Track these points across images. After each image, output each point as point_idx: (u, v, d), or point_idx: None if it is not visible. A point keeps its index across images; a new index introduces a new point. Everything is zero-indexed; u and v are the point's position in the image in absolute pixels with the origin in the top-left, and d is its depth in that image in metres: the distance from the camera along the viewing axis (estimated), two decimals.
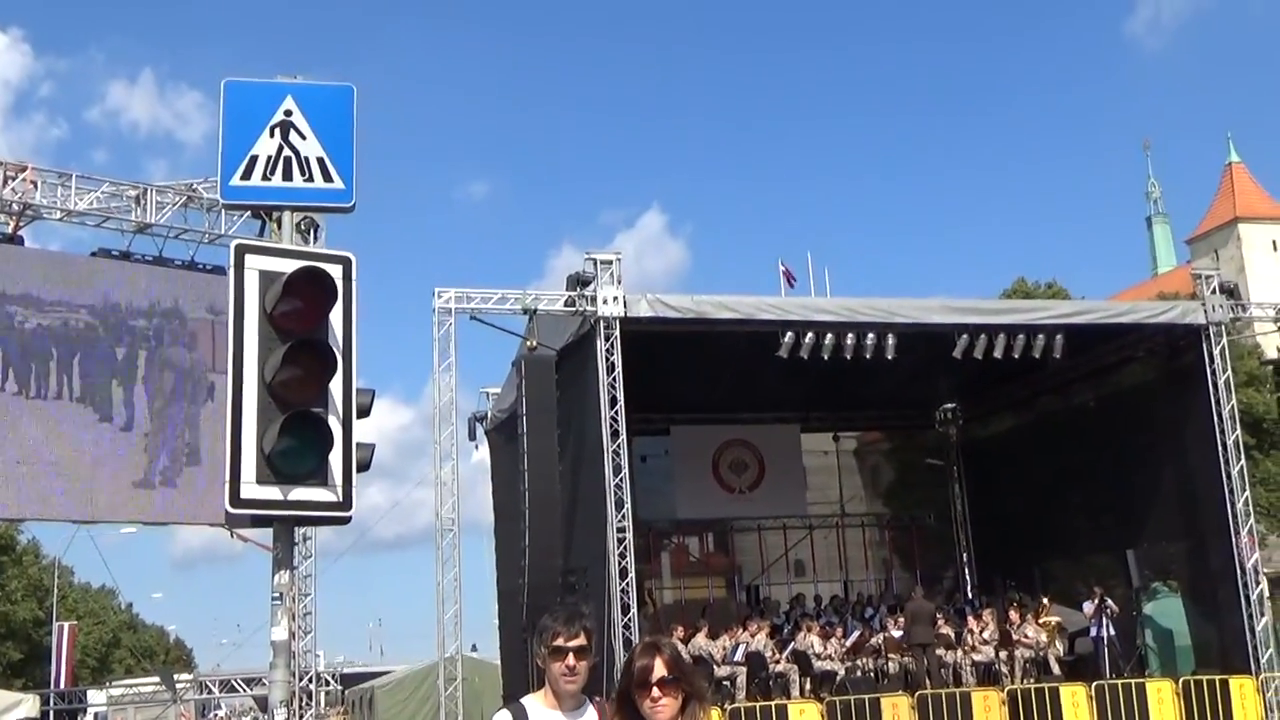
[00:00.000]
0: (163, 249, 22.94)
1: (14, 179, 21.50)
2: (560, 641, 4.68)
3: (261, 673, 32.85)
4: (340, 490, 8.01)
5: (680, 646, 19.25)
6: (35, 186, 21.84)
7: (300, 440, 7.85)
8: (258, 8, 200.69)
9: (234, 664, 45.02)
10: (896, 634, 24.69)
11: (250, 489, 7.75)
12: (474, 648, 34.61)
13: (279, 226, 23.87)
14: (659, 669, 4.08)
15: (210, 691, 29.34)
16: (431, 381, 22.78)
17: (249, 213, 22.30)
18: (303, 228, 21.88)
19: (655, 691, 4.05)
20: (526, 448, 21.37)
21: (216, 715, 52.79)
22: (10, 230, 21.97)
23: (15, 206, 21.81)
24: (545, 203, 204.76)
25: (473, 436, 27.11)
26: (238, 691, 29.47)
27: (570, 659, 4.67)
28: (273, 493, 7.82)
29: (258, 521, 8.27)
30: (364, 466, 8.38)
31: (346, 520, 8.28)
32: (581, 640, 4.70)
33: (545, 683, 4.80)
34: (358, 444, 8.19)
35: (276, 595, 8.04)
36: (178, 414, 22.42)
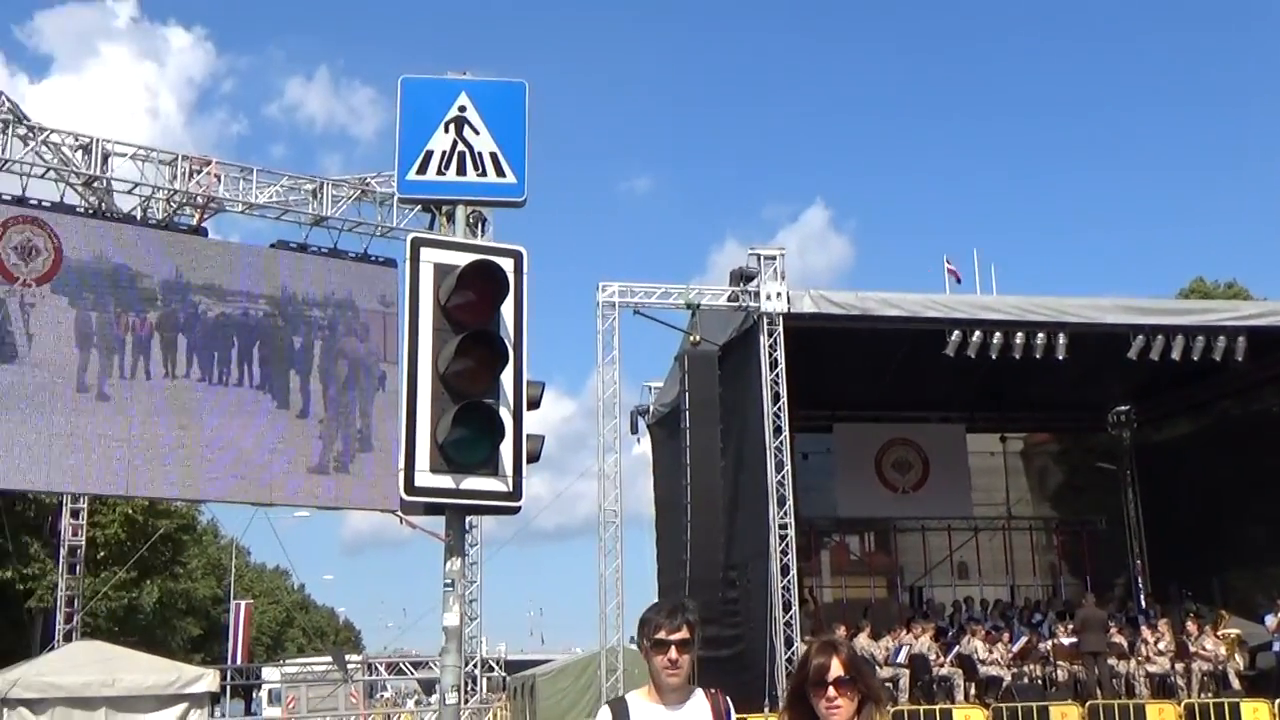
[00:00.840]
0: (337, 241, 23.63)
1: (199, 173, 22.34)
2: (663, 634, 4.66)
3: (428, 656, 33.56)
4: (510, 480, 8.09)
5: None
6: (218, 180, 22.67)
7: (472, 430, 7.95)
8: (428, 5, 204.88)
9: (400, 647, 46.07)
10: (1066, 641, 24.05)
11: (424, 477, 7.87)
12: (632, 639, 34.66)
13: (449, 220, 24.33)
14: (835, 668, 4.00)
15: (378, 673, 30.07)
16: (595, 374, 22.98)
17: (420, 207, 22.85)
18: (471, 221, 22.15)
19: (830, 691, 3.97)
20: (689, 442, 21.40)
21: (382, 696, 54.14)
22: (195, 222, 22.86)
23: (200, 200, 22.68)
24: (708, 197, 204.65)
25: (634, 430, 27.27)
26: (405, 674, 30.11)
27: (673, 651, 4.64)
28: (445, 481, 7.93)
29: (430, 509, 8.40)
30: (534, 457, 8.46)
31: (516, 510, 8.36)
32: (684, 634, 4.67)
33: (649, 677, 4.78)
34: (528, 435, 8.26)
35: (448, 582, 8.16)
36: (351, 402, 23.07)
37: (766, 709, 19.51)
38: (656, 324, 22.97)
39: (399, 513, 23.47)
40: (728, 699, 4.82)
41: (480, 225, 21.57)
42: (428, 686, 58.03)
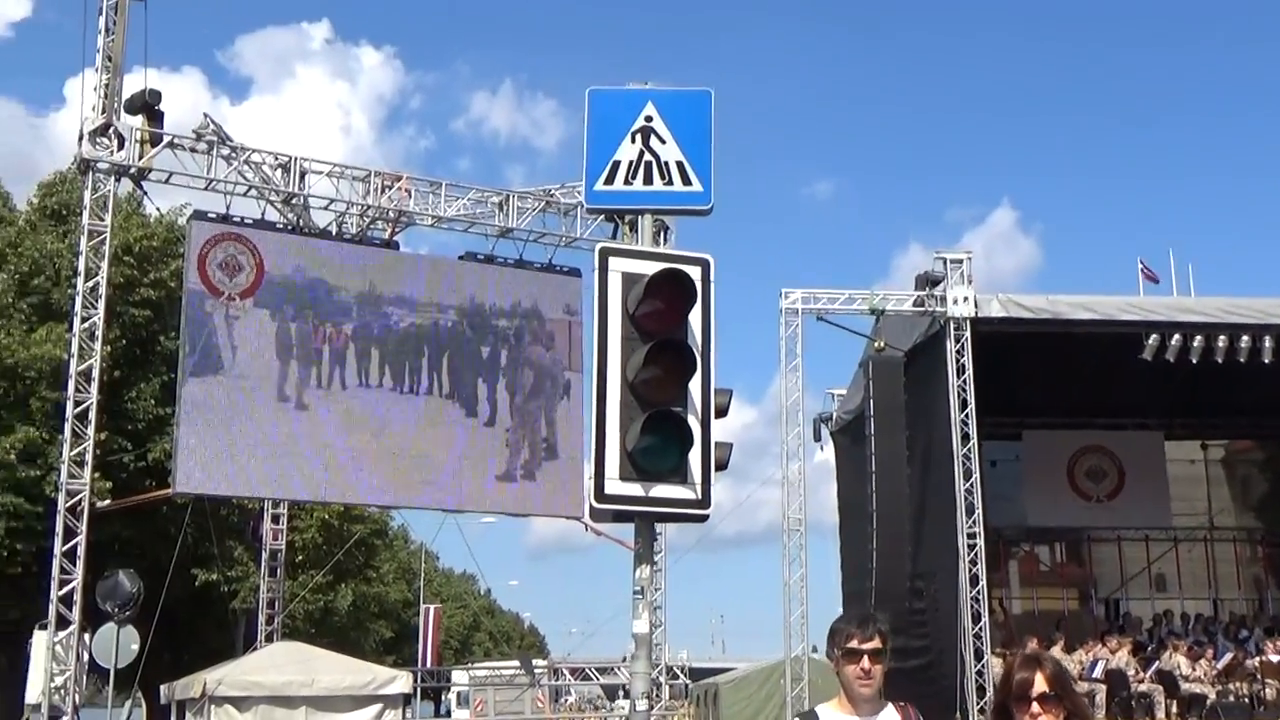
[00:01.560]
0: (523, 252, 24.07)
1: (390, 188, 23.02)
2: (854, 644, 4.57)
3: (612, 662, 33.92)
4: (699, 488, 8.10)
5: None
6: (409, 195, 23.32)
7: (661, 438, 7.99)
8: (608, 17, 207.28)
9: (583, 653, 46.69)
10: (1275, 658, 22.98)
11: (614, 485, 7.93)
12: (814, 649, 34.43)
13: (631, 229, 24.64)
14: (1039, 684, 3.90)
15: (564, 678, 30.47)
16: (777, 381, 22.90)
17: (603, 216, 23.13)
18: (653, 230, 22.39)
19: (1034, 707, 3.88)
20: (874, 450, 21.15)
21: (566, 701, 54.78)
22: (387, 236, 23.56)
23: (391, 214, 23.36)
24: (890, 201, 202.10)
25: (818, 437, 27.06)
26: (590, 679, 30.44)
27: (865, 662, 4.54)
28: (635, 489, 7.98)
29: (619, 517, 8.47)
30: (722, 465, 8.46)
31: (705, 518, 8.38)
32: (876, 643, 4.57)
33: (840, 688, 4.69)
34: (716, 443, 8.26)
35: (637, 589, 8.21)
36: (536, 410, 23.46)
37: None
38: (839, 330, 22.78)
39: (584, 520, 23.76)
40: (919, 712, 4.74)
41: (663, 234, 21.73)
42: (611, 692, 58.50)
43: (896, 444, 21.18)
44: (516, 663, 35.38)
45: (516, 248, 24.02)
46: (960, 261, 21.69)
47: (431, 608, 51.52)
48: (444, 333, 22.88)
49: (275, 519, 28.09)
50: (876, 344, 21.74)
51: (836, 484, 27.29)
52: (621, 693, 55.98)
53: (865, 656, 4.53)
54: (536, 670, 30.95)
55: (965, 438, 21.09)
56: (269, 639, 26.99)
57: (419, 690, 29.56)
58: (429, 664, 44.41)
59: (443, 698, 55.93)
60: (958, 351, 21.34)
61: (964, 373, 21.27)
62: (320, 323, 21.97)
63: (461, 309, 23.10)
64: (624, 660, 41.16)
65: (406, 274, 22.99)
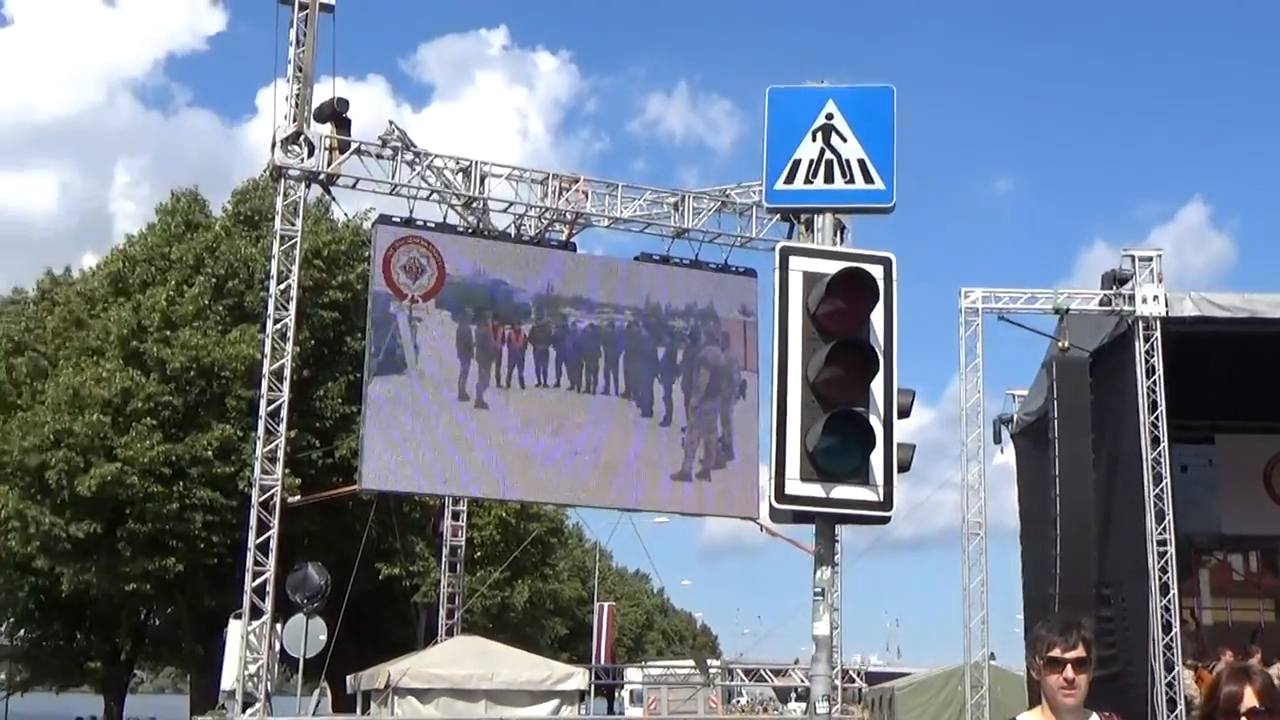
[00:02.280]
0: (699, 252, 24.09)
1: (568, 190, 23.29)
2: (1057, 652, 4.43)
3: (786, 664, 33.72)
4: (881, 490, 8.00)
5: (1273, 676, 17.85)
6: (586, 196, 23.57)
7: (843, 439, 7.91)
8: (784, 16, 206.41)
9: (756, 654, 46.47)
10: None
11: (794, 485, 7.88)
12: (992, 656, 33.74)
13: (807, 229, 24.42)
14: (1249, 698, 3.76)
15: (739, 679, 30.42)
16: (955, 382, 22.49)
17: (779, 216, 23.02)
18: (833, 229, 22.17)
19: None
20: (1057, 453, 20.60)
21: (738, 703, 54.64)
22: (564, 238, 23.88)
23: (569, 215, 23.65)
24: (1074, 197, 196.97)
25: (998, 440, 26.43)
26: (765, 681, 30.32)
27: (1068, 671, 4.40)
28: (815, 490, 7.91)
29: (799, 518, 8.41)
30: (904, 467, 8.34)
31: (886, 520, 8.26)
32: (1080, 651, 4.42)
33: (1042, 698, 4.55)
34: (898, 444, 8.15)
35: (818, 590, 8.14)
36: (712, 410, 23.49)
37: None
38: (1020, 330, 22.28)
39: (759, 520, 23.71)
40: None
41: (840, 233, 21.49)
42: (783, 694, 58.19)
43: (1081, 447, 20.59)
44: (691, 662, 35.45)
45: (692, 248, 24.09)
46: (1150, 259, 21.01)
47: (606, 605, 51.91)
48: (620, 333, 23.09)
49: (455, 516, 28.70)
50: (1060, 344, 21.18)
51: (1017, 487, 26.63)
52: (794, 695, 55.67)
53: (1069, 665, 4.41)
54: (711, 670, 30.93)
55: (1155, 441, 20.41)
56: (449, 633, 27.59)
57: (592, 687, 29.84)
58: (603, 661, 44.77)
59: (616, 695, 56.37)
60: (1147, 352, 20.67)
61: (1154, 374, 20.59)
62: (499, 323, 22.39)
63: (637, 309, 23.28)
64: (796, 662, 40.92)
65: (583, 275, 23.27)
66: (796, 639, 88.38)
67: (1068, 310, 21.38)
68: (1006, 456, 27.14)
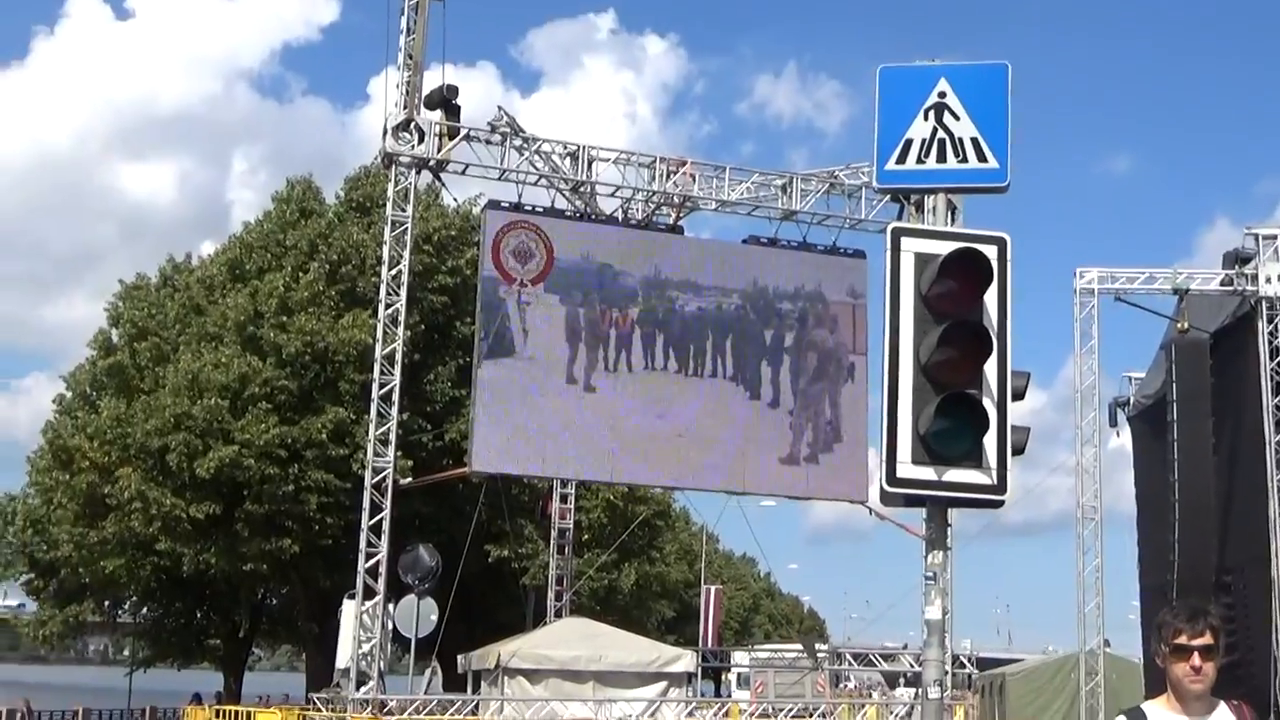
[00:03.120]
0: (806, 234, 23.94)
1: (675, 174, 23.29)
2: (1183, 640, 4.31)
3: (893, 649, 33.50)
4: (995, 473, 7.89)
5: None
6: (693, 180, 23.55)
7: (955, 422, 7.81)
8: None
9: (863, 639, 46.09)
10: None
11: (905, 469, 7.81)
12: (1106, 643, 33.16)
13: (917, 210, 24.11)
14: None
15: (848, 663, 30.27)
16: (1070, 365, 22.11)
17: (888, 197, 22.80)
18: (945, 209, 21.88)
19: None
20: (1176, 436, 20.19)
21: (845, 687, 54.38)
22: (672, 221, 23.89)
23: (676, 199, 23.65)
24: (1194, 174, 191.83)
25: (1113, 422, 26.00)
26: (874, 665, 30.13)
27: (1195, 659, 4.28)
28: (927, 473, 7.83)
29: (911, 501, 8.33)
30: (1019, 450, 8.22)
31: (1000, 503, 8.15)
32: (1207, 639, 4.31)
33: (1167, 686, 4.43)
34: (1013, 427, 8.03)
35: (929, 575, 8.07)
36: (820, 393, 23.38)
37: None
38: (1137, 311, 21.84)
39: (868, 504, 23.55)
40: (1253, 711, 4.47)
41: (952, 213, 21.21)
42: (891, 679, 57.72)
43: (1201, 430, 20.15)
44: (799, 646, 35.33)
45: (800, 230, 23.97)
46: (1275, 237, 20.48)
47: (713, 588, 51.94)
48: (728, 316, 23.06)
49: (564, 499, 28.91)
50: (1180, 325, 20.73)
51: (1134, 472, 26.17)
52: (903, 680, 55.24)
53: (1195, 653, 4.31)
54: (819, 654, 30.81)
55: (1279, 425, 19.87)
56: (557, 615, 27.83)
57: (699, 670, 29.90)
58: (710, 644, 44.80)
59: (723, 678, 56.38)
60: (1270, 333, 20.13)
61: (1278, 355, 20.03)
62: (607, 307, 22.49)
63: (745, 292, 23.23)
64: (905, 647, 40.56)
65: (691, 258, 23.29)
66: (905, 623, 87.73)
67: (1187, 290, 20.93)
68: (1122, 440, 26.72)
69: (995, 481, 7.93)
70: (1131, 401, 26.04)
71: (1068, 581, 21.50)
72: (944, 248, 8.04)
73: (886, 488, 7.94)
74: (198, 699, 38.04)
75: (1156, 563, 23.01)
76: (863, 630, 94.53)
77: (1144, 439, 24.98)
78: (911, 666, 32.05)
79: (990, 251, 8.09)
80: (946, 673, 25.37)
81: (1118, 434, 26.65)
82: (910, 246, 8.15)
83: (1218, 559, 20.43)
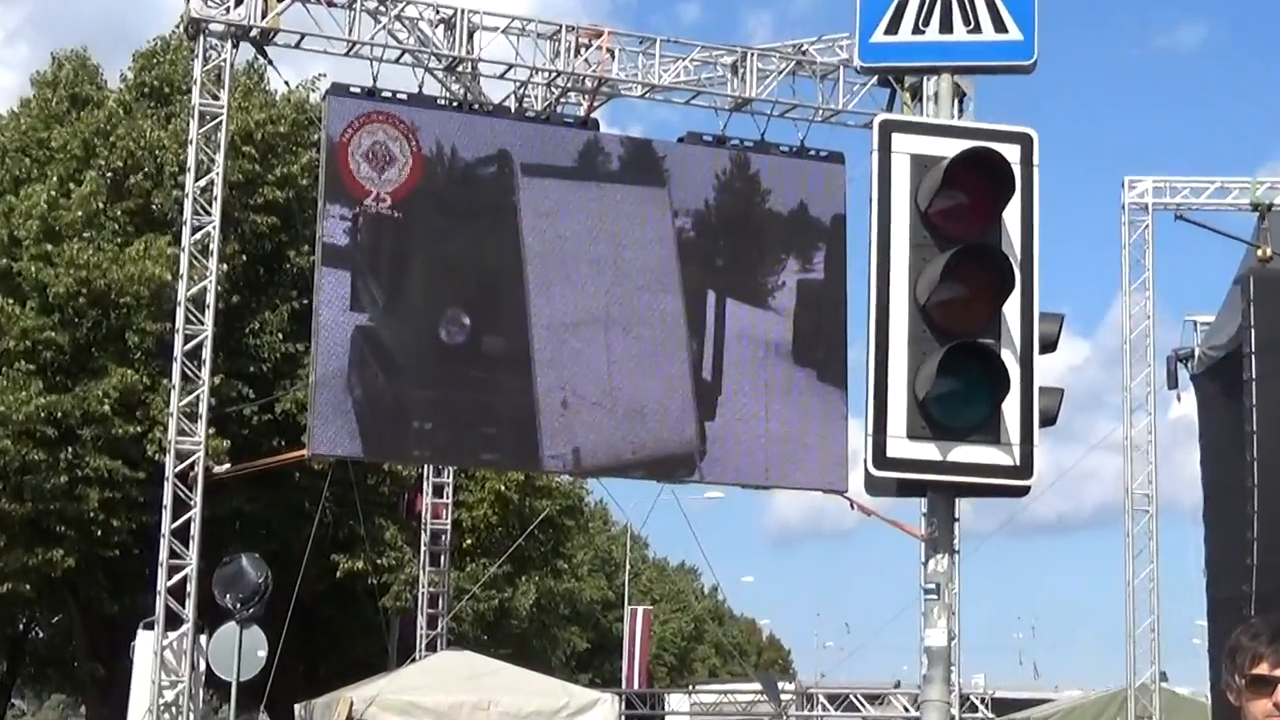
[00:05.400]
0: (765, 131, 23.97)
1: (588, 48, 23.20)
2: (1264, 669, 4.36)
3: (882, 688, 33.89)
4: (1017, 450, 8.04)
5: None
6: (612, 56, 23.48)
7: (965, 382, 7.94)
8: None
9: (842, 675, 46.43)
10: None
11: (899, 446, 7.91)
12: (1163, 676, 33.90)
13: (913, 97, 24.31)
14: None
15: (820, 708, 30.55)
16: (1117, 305, 22.45)
17: (875, 80, 22.91)
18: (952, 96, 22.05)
19: None
20: (1255, 400, 20.55)
21: None
22: (584, 112, 23.80)
23: (589, 82, 23.57)
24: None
25: (1174, 384, 26.32)
26: (858, 710, 30.50)
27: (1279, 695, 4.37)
28: (928, 451, 7.96)
29: (906, 489, 8.47)
30: (1049, 419, 8.38)
31: (1024, 491, 8.32)
32: None
33: None
34: (1040, 388, 8.16)
35: (931, 587, 8.22)
36: None
37: None
38: (1206, 234, 22.16)
39: (847, 494, 23.76)
40: None
41: (958, 103, 21.41)
42: None
43: None
44: (757, 685, 35.66)
45: (756, 126, 23.99)
46: None
47: (640, 610, 52.21)
48: (659, 239, 23.07)
49: (438, 491, 28.89)
50: (1261, 252, 21.08)
51: (1200, 448, 26.58)
52: None
53: None
54: (784, 696, 31.14)
55: None
56: (431, 647, 27.87)
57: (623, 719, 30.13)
58: (636, 685, 45.12)
59: None
60: None
61: None
62: (497, 230, 22.40)
63: (683, 208, 23.24)
64: (897, 685, 40.94)
65: (610, 162, 23.20)
66: (897, 653, 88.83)
67: (1270, 206, 21.27)
68: (1186, 406, 27.08)
69: (1018, 462, 8.06)
70: (1197, 355, 26.36)
71: (1113, 596, 21.96)
72: (950, 148, 8.13)
73: (874, 471, 8.05)
74: None
75: (1228, 568, 23.44)
76: (841, 664, 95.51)
77: (1214, 404, 25.35)
78: (906, 711, 32.37)
79: (1011, 153, 8.20)
80: (954, 717, 25.80)
81: (1179, 398, 26.96)
82: (904, 146, 8.23)
83: None
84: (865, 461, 8.14)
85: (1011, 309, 8.17)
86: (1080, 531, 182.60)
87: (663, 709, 40.31)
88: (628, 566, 59.96)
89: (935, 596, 8.25)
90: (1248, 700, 4.38)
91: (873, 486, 8.59)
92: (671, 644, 75.64)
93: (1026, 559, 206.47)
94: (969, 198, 8.17)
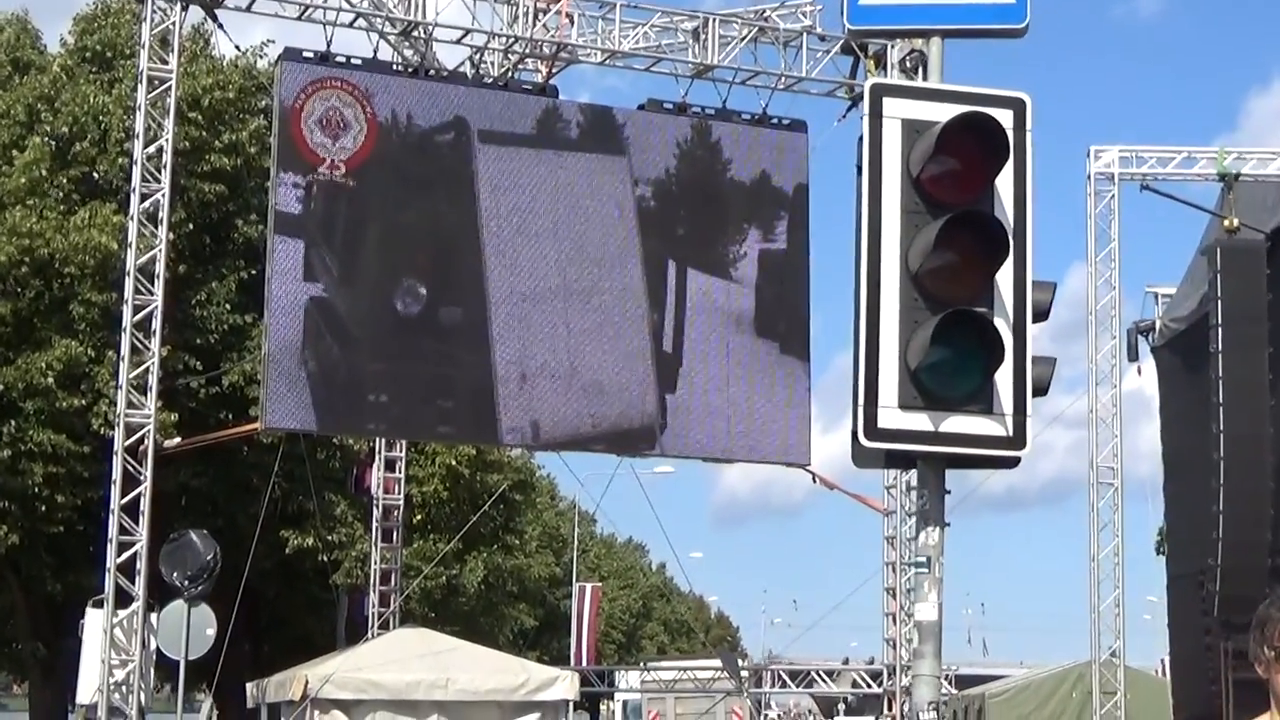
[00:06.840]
0: (726, 99, 23.92)
1: (545, 13, 23.07)
2: None
3: (833, 662, 34.08)
4: (1010, 421, 8.04)
5: None
6: (570, 21, 23.38)
7: (958, 351, 7.93)
8: None
9: (791, 653, 46.68)
10: None
11: (891, 416, 7.90)
12: (1113, 653, 34.28)
13: (877, 64, 24.23)
14: None
15: (781, 684, 30.69)
16: (1081, 275, 22.54)
17: (838, 47, 22.92)
18: (908, 66, 22.13)
19: None
20: (1222, 372, 20.68)
21: (768, 715, 55.36)
22: (541, 78, 23.69)
23: (546, 48, 23.45)
24: (1242, 22, 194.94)
25: (1134, 356, 26.43)
26: (818, 685, 30.64)
27: None
28: (920, 421, 7.95)
29: (895, 461, 8.45)
30: (1042, 388, 8.37)
31: (1015, 462, 8.32)
32: None
33: (1271, 704, 4.53)
34: (1034, 357, 8.16)
35: (921, 560, 8.21)
36: None
37: None
38: (1165, 204, 22.27)
39: (809, 468, 23.83)
40: None
41: (921, 69, 21.40)
42: (827, 706, 58.85)
43: (1255, 363, 20.64)
44: (713, 662, 35.77)
45: (718, 94, 23.95)
46: None
47: (588, 586, 52.33)
48: (622, 208, 23.03)
49: (389, 465, 28.76)
50: (1227, 222, 21.18)
51: (1161, 420, 26.72)
52: (842, 707, 56.35)
53: None
54: (744, 673, 31.28)
55: None
56: (383, 625, 27.76)
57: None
58: (585, 662, 45.18)
59: (602, 707, 56.92)
60: None
61: None
62: (454, 199, 22.31)
63: (643, 177, 23.21)
64: (846, 662, 41.19)
65: (568, 130, 23.14)
66: (846, 631, 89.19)
67: (1238, 176, 21.36)
68: (1146, 378, 27.16)
69: (1010, 432, 8.07)
70: (1158, 327, 26.48)
71: (1058, 572, 22.19)
72: (942, 112, 8.11)
73: (865, 442, 8.02)
74: None
75: (1189, 542, 23.62)
76: (791, 642, 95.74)
77: (1174, 377, 25.50)
78: (858, 685, 32.60)
79: (1004, 118, 8.17)
80: (893, 694, 25.82)
81: (1139, 370, 27.05)
82: (896, 110, 8.21)
83: (1274, 538, 20.98)
84: (855, 432, 8.12)
85: (1004, 277, 8.17)
86: (1031, 508, 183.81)
87: (612, 685, 40.42)
88: (575, 542, 59.99)
89: (927, 570, 8.24)
90: (1276, 672, 4.41)
91: (861, 458, 8.56)
92: (620, 621, 75.82)
93: (977, 536, 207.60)
94: (962, 163, 8.16)
